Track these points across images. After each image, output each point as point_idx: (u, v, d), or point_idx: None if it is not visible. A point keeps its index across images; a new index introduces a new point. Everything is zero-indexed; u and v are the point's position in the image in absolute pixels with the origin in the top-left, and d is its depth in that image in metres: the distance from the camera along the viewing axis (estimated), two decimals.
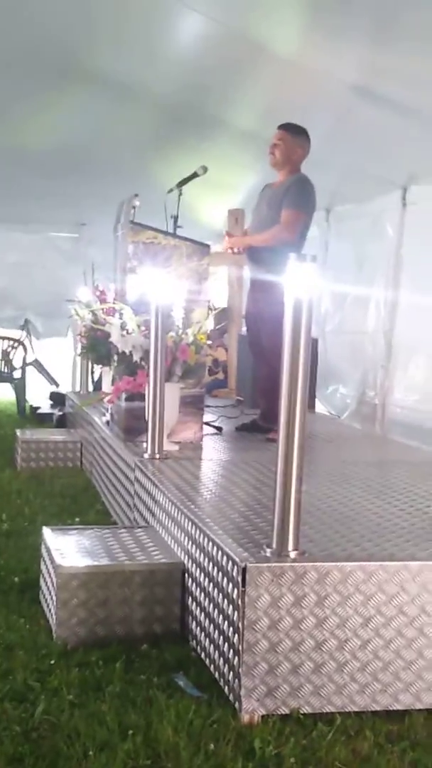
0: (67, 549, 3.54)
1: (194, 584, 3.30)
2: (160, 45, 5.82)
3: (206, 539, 3.18)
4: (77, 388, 8.95)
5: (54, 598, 3.33)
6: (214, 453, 5.16)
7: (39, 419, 8.98)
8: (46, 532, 3.78)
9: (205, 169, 5.61)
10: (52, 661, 3.13)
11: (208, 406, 6.49)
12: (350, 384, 7.95)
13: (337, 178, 7.23)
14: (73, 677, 3.01)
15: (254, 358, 6.12)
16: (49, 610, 3.46)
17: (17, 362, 10.11)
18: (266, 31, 5.37)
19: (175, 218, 5.50)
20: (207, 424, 5.72)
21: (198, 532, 3.29)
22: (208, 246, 5.30)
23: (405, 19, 4.66)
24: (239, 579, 2.79)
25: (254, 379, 6.80)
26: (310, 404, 7.39)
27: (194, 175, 5.62)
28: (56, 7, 5.42)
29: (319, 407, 8.15)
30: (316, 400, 7.98)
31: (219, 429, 5.94)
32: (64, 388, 9.76)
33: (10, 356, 10.15)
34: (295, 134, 5.60)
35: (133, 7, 5.40)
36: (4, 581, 3.95)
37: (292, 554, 2.87)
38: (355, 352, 7.85)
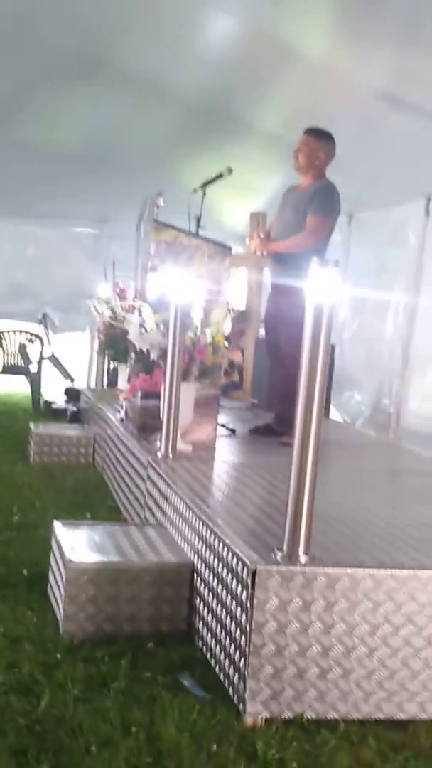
0: (78, 544, 3.54)
1: (203, 585, 3.30)
2: (188, 45, 5.83)
3: (217, 540, 3.18)
4: (93, 385, 8.97)
5: (63, 592, 3.34)
6: (227, 455, 5.16)
7: (53, 414, 9.00)
8: (57, 526, 3.79)
9: (230, 171, 5.61)
10: (59, 655, 3.14)
11: (222, 408, 6.49)
12: (365, 391, 7.94)
13: (361, 185, 7.22)
14: (78, 672, 3.02)
15: (271, 361, 6.11)
16: (57, 605, 3.46)
17: (34, 356, 10.14)
18: (295, 34, 5.37)
19: (198, 218, 5.50)
20: (221, 425, 5.72)
21: (209, 532, 3.29)
22: (229, 247, 5.30)
23: None
24: (249, 581, 2.78)
25: (270, 382, 6.80)
26: (325, 410, 7.39)
27: (219, 176, 5.62)
28: (85, 4, 5.44)
29: (334, 413, 8.13)
30: (331, 406, 7.97)
31: (233, 431, 5.94)
32: (80, 384, 9.78)
33: (27, 350, 10.18)
34: (319, 139, 5.58)
35: (162, 6, 5.41)
36: (13, 574, 3.96)
37: (303, 559, 2.86)
38: (371, 359, 7.85)
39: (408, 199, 7.17)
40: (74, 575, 3.29)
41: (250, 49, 5.65)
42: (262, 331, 6.67)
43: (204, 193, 5.55)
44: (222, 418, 5.93)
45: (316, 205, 5.45)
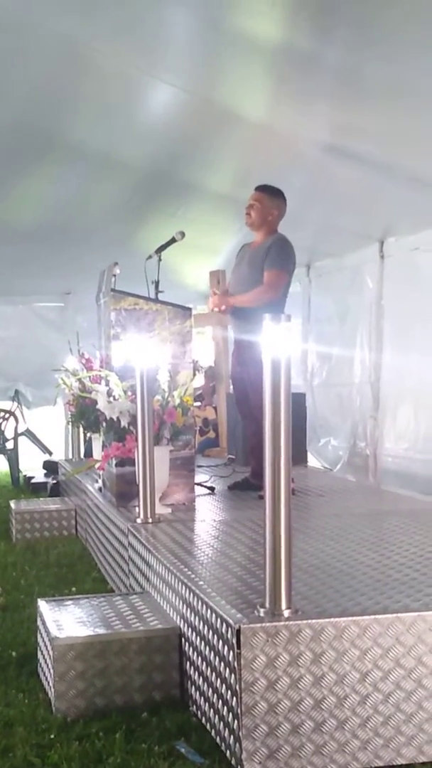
0: (63, 620, 3.52)
1: (191, 649, 3.29)
2: (134, 116, 5.96)
3: (200, 602, 3.17)
4: (70, 456, 8.96)
5: (51, 670, 3.31)
6: (206, 514, 5.16)
7: (33, 489, 8.95)
8: (42, 604, 3.77)
9: (182, 235, 5.70)
10: (52, 735, 3.11)
11: (200, 466, 6.51)
12: (341, 436, 7.99)
13: (315, 235, 7.36)
14: (73, 751, 2.99)
15: (242, 415, 6.15)
16: (48, 683, 3.43)
17: (9, 433, 10.12)
18: (235, 98, 5.51)
19: (156, 283, 5.57)
20: (199, 484, 5.73)
21: (192, 595, 3.29)
22: (189, 309, 5.36)
23: (369, 79, 4.79)
24: (234, 641, 2.78)
25: (243, 436, 6.83)
26: (303, 458, 7.43)
27: (172, 241, 5.71)
28: (34, 82, 5.56)
29: (312, 461, 8.16)
30: (309, 453, 8.00)
31: (211, 489, 5.95)
32: (57, 457, 9.76)
33: (2, 427, 10.16)
34: (271, 195, 5.69)
35: (108, 82, 5.54)
36: (2, 656, 3.92)
37: (286, 613, 2.87)
38: (343, 404, 7.91)
39: (362, 244, 7.31)
40: (61, 652, 3.27)
41: (194, 115, 5.79)
42: (232, 387, 6.72)
43: (160, 259, 5.63)
44: (200, 477, 5.95)
45: (271, 260, 5.53)
